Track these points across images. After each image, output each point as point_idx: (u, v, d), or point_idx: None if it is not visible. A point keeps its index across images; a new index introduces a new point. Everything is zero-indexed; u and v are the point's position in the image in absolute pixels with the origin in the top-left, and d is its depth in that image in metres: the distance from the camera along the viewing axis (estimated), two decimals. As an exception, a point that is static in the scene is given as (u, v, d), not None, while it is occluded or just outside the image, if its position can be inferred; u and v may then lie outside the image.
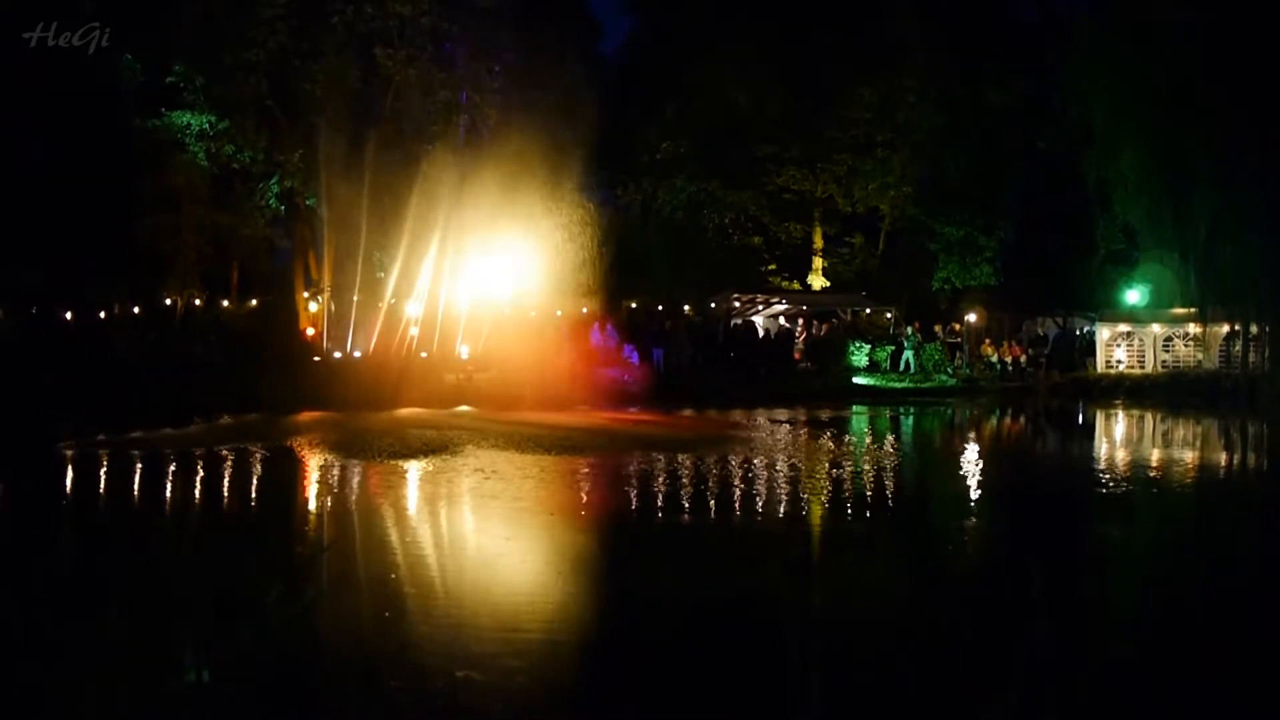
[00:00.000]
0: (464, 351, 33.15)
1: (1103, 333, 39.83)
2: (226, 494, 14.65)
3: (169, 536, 12.03)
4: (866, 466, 17.38)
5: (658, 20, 46.46)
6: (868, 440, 22.58)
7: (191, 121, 34.24)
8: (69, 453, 18.41)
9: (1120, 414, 30.69)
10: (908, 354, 38.71)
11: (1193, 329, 38.94)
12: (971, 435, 25.45)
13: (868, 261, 47.19)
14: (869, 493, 14.64)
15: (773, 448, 19.85)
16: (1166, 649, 7.88)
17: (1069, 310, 41.59)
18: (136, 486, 15.17)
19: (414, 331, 33.12)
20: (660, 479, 15.54)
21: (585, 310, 36.80)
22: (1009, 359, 39.95)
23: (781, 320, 43.78)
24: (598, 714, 6.49)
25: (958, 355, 40.30)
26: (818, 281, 46.80)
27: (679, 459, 17.50)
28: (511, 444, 19.58)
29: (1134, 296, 40.32)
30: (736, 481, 15.25)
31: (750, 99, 43.78)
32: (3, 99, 30.46)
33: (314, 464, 17.60)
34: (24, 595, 9.01)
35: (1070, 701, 6.53)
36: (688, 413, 27.06)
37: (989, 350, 40.31)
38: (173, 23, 32.68)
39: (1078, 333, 42.14)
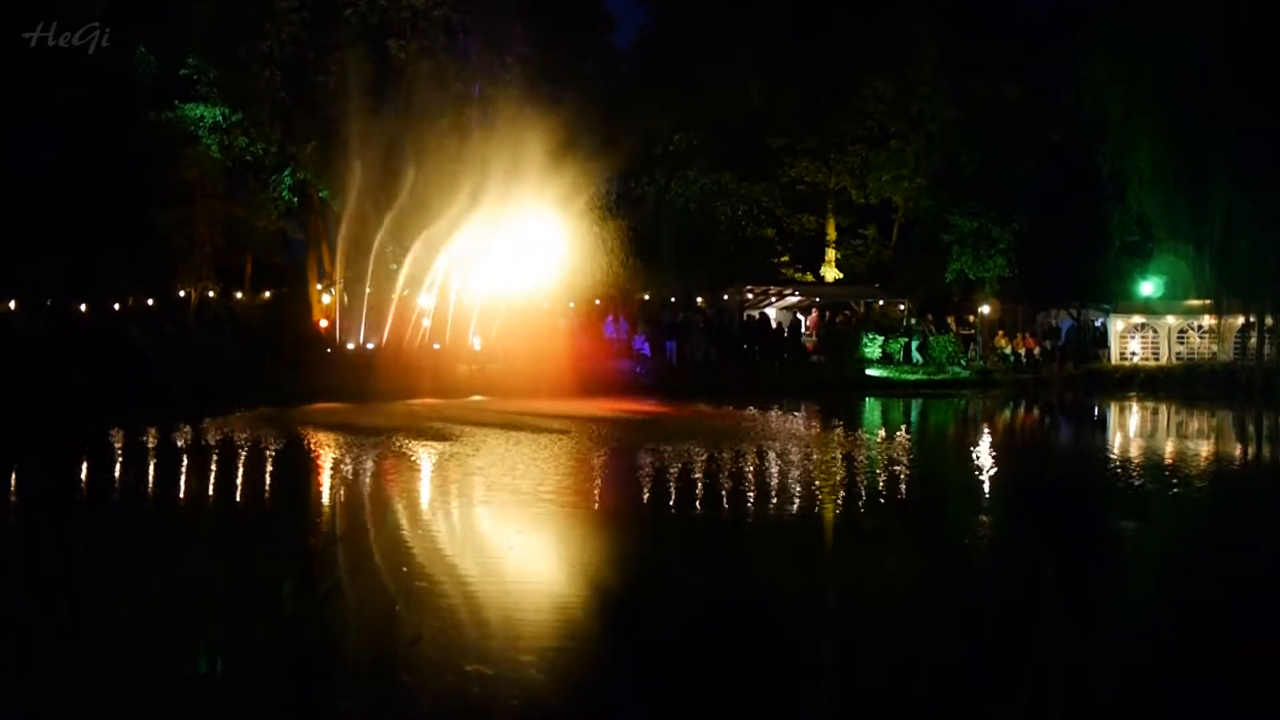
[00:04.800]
0: (477, 343, 33.22)
1: (1117, 324, 39.72)
2: (241, 485, 14.72)
3: (183, 529, 12.07)
4: (887, 459, 17.35)
5: (671, 12, 46.33)
6: (884, 433, 22.54)
7: (205, 114, 34.31)
8: (85, 444, 18.51)
9: (1135, 406, 30.60)
10: (914, 346, 38.78)
11: (1207, 321, 38.83)
12: (985, 428, 25.40)
13: (881, 253, 47.04)
14: (893, 486, 14.62)
15: (789, 440, 19.84)
16: (1192, 646, 7.87)
17: (1083, 302, 41.42)
18: (151, 478, 15.23)
19: (427, 323, 33.20)
20: (675, 471, 15.53)
21: (598, 302, 36.82)
22: (1022, 351, 39.86)
23: (797, 313, 43.73)
24: (609, 709, 6.51)
25: (971, 347, 40.23)
26: (831, 273, 46.67)
27: (695, 451, 17.47)
28: (523, 435, 19.60)
29: (1148, 288, 40.17)
30: (756, 475, 15.24)
31: (764, 91, 43.65)
32: (17, 94, 30.55)
33: (327, 455, 17.65)
34: (36, 587, 9.06)
35: (1095, 698, 6.53)
36: (701, 404, 27.04)
37: (1002, 342, 40.21)
38: (186, 15, 32.77)
39: (1092, 325, 42.01)
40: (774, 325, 40.91)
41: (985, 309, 40.88)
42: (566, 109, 32.20)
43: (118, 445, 18.59)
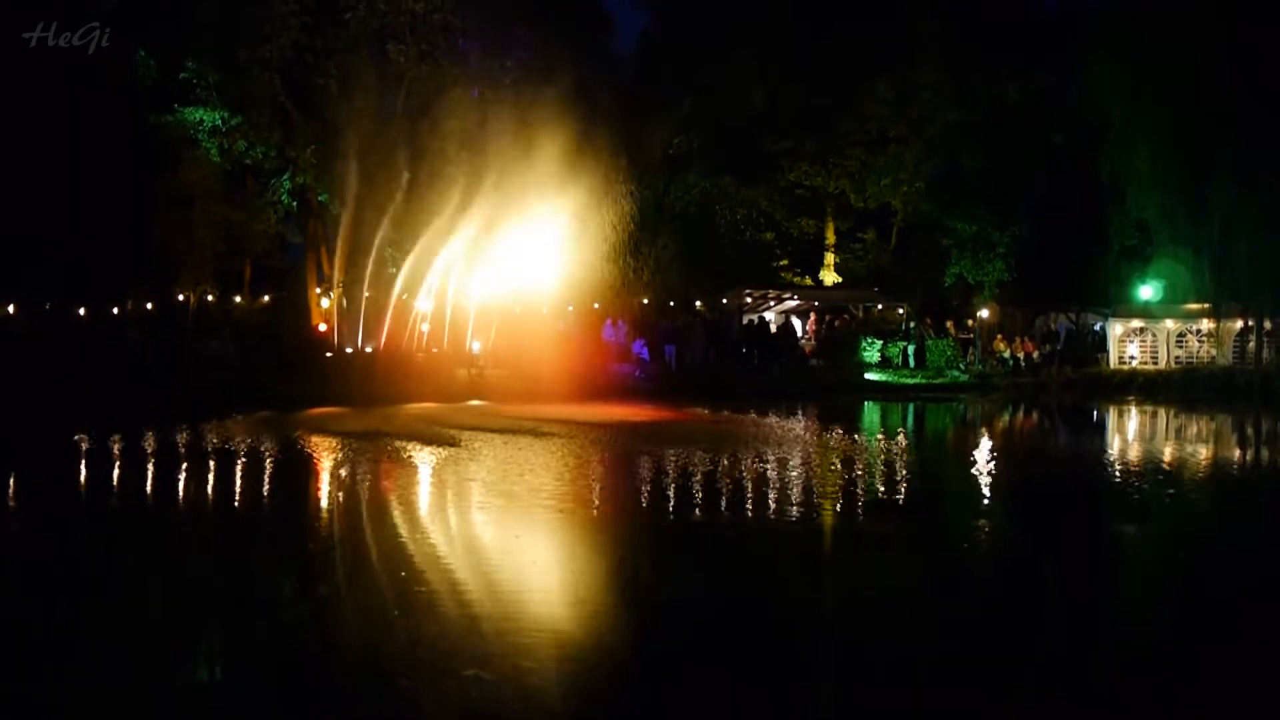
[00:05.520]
0: (476, 347, 33.22)
1: (1116, 328, 39.75)
2: (240, 490, 14.71)
3: (182, 534, 12.07)
4: (886, 464, 17.36)
5: (671, 15, 46.36)
6: (883, 437, 22.54)
7: (204, 118, 34.32)
8: (83, 449, 18.50)
9: (1134, 410, 30.60)
10: (910, 350, 38.88)
11: (1206, 325, 38.82)
12: (984, 432, 25.40)
13: (880, 257, 47.04)
14: (893, 491, 14.63)
15: (789, 444, 19.83)
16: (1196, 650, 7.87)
17: (1082, 306, 41.46)
18: (150, 483, 15.22)
19: (426, 327, 33.20)
20: (675, 476, 15.53)
21: (597, 306, 36.81)
22: (1021, 355, 39.88)
23: (792, 317, 43.77)
24: (610, 714, 6.50)
25: (970, 351, 40.27)
26: (830, 277, 46.72)
27: (694, 456, 17.47)
28: (523, 440, 19.59)
29: (1147, 292, 40.20)
30: (756, 479, 15.24)
31: (764, 95, 43.67)
32: (18, 96, 30.56)
33: (326, 460, 17.64)
34: (35, 592, 9.06)
35: (1097, 699, 6.54)
36: (700, 408, 27.04)
37: (1001, 346, 40.24)
38: (187, 19, 32.78)
39: (1091, 329, 42.04)
40: (773, 329, 40.92)
41: (984, 313, 40.90)
42: (566, 113, 32.16)
43: (116, 449, 18.57)
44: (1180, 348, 39.47)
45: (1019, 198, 40.16)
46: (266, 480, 15.75)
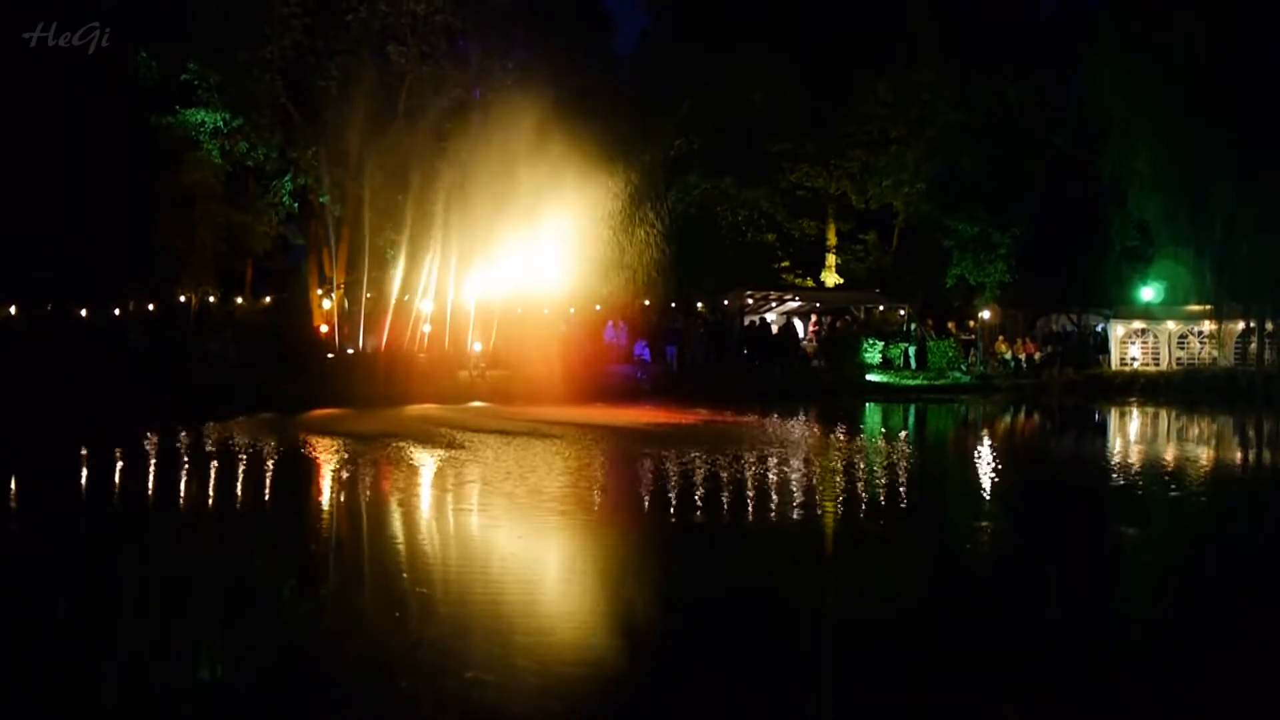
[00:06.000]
0: (477, 348, 33.23)
1: (1117, 330, 39.71)
2: (241, 492, 14.71)
3: (184, 535, 12.06)
4: (888, 465, 17.36)
5: (671, 16, 46.36)
6: (885, 439, 22.54)
7: (206, 119, 34.30)
8: (85, 450, 18.50)
9: (1135, 411, 30.58)
10: (911, 351, 38.87)
11: (1208, 326, 38.80)
12: (986, 433, 25.38)
13: (881, 258, 47.01)
14: (895, 492, 14.63)
15: (791, 446, 19.84)
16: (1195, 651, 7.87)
17: (1083, 307, 41.44)
18: (151, 484, 15.21)
19: (427, 328, 33.21)
20: (677, 477, 15.53)
21: (598, 308, 36.80)
22: (1023, 356, 39.85)
23: (794, 318, 43.76)
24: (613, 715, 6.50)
25: (972, 352, 40.24)
26: (831, 278, 46.69)
27: (697, 457, 17.46)
28: (524, 441, 19.59)
29: (1149, 293, 40.16)
30: (759, 481, 15.24)
31: (764, 95, 43.64)
32: (20, 97, 30.56)
33: (328, 461, 17.64)
34: (37, 588, 9.06)
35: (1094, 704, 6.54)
36: (702, 410, 27.01)
37: (1003, 347, 40.20)
38: (187, 20, 32.77)
39: (1093, 330, 42.02)
40: (774, 330, 40.90)
41: (986, 314, 40.87)
42: (567, 114, 32.15)
43: (117, 451, 18.57)
44: (1182, 349, 39.44)
45: (1019, 199, 40.11)
46: (269, 482, 15.75)
